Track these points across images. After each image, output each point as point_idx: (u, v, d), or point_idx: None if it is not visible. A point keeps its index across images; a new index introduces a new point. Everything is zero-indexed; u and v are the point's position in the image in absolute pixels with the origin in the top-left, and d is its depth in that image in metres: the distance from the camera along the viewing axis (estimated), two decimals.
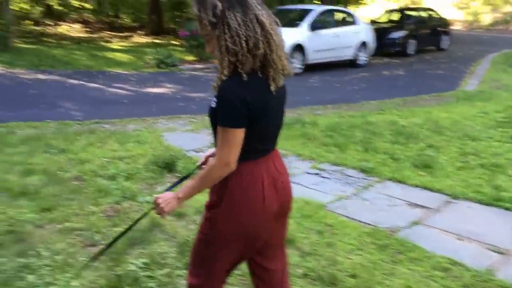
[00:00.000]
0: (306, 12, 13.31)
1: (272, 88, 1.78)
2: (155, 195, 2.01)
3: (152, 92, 9.42)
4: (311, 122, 6.94)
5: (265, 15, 1.74)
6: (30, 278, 2.89)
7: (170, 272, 3.02)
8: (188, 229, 3.61)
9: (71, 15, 23.87)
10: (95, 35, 19.85)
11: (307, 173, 4.98)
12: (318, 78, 11.91)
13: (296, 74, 12.01)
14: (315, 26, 12.63)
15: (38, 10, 23.02)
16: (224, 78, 1.71)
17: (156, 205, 1.90)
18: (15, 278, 2.87)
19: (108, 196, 4.12)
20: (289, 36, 12.03)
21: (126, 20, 25.15)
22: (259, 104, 1.74)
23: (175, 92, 9.58)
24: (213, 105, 1.77)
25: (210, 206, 1.94)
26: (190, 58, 13.84)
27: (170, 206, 1.87)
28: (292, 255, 3.25)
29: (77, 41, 17.25)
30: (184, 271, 3.07)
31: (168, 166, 4.84)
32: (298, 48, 12.10)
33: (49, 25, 21.68)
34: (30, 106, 7.60)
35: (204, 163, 2.25)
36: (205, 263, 1.99)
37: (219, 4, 1.69)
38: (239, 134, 1.73)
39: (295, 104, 8.52)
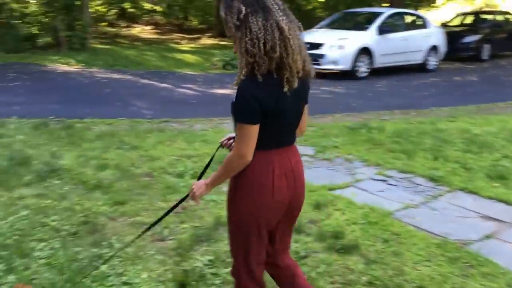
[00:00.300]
0: (374, 15, 13.04)
1: (286, 89, 1.88)
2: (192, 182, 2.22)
3: (218, 93, 9.60)
4: (377, 128, 6.79)
5: (285, 21, 1.86)
6: (103, 268, 3.03)
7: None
8: None
9: (143, 18, 24.84)
10: (165, 37, 20.54)
11: (373, 179, 4.88)
12: (385, 82, 11.63)
13: (362, 78, 11.80)
14: (383, 29, 12.34)
15: (113, 12, 24.16)
16: (242, 77, 1.88)
17: (190, 191, 2.11)
18: (90, 267, 3.02)
19: (176, 193, 4.25)
20: (356, 39, 11.88)
21: (194, 22, 25.81)
22: (272, 103, 1.88)
23: None
24: (234, 100, 1.93)
25: (228, 191, 2.11)
26: None
27: (200, 192, 2.09)
28: (356, 262, 3.21)
29: (149, 42, 17.93)
30: None
31: None
32: (365, 51, 11.88)
33: (123, 26, 22.71)
34: (105, 104, 8.00)
35: (225, 143, 2.41)
36: (237, 244, 2.18)
37: (244, 9, 1.83)
38: (253, 130, 1.89)
39: (361, 109, 8.39)
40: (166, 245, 3.36)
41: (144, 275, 2.98)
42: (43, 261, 3.07)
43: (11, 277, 2.87)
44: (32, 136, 5.75)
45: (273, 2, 1.88)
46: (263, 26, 1.82)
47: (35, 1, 14.69)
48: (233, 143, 2.07)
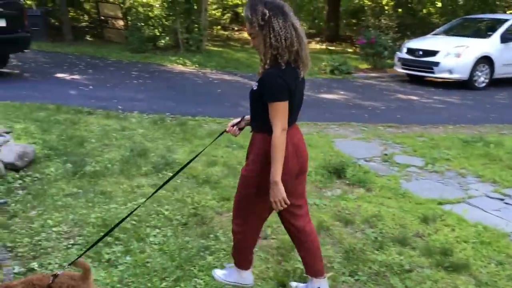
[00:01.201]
0: (497, 21, 12.10)
1: (301, 76, 2.41)
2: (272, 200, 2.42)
3: (325, 98, 9.58)
4: (495, 142, 6.32)
5: (298, 23, 2.38)
6: (209, 258, 3.20)
7: (334, 276, 3.06)
8: (354, 237, 3.61)
9: None
10: None
11: (488, 196, 4.56)
12: (506, 94, 10.77)
13: (480, 89, 11.05)
14: (507, 37, 11.41)
15: (227, 16, 25.16)
16: (267, 67, 2.36)
17: (277, 202, 2.39)
18: (197, 257, 3.21)
19: None
20: (476, 47, 11.14)
21: (303, 26, 25.93)
22: (292, 86, 2.36)
23: (347, 99, 9.60)
24: (255, 88, 2.43)
25: (246, 166, 2.56)
26: (365, 66, 13.71)
27: (281, 193, 2.36)
28: (466, 282, 3.04)
29: None
30: (349, 277, 3.09)
31: (337, 172, 4.89)
32: (485, 60, 11.09)
33: (235, 30, 23.54)
34: (216, 104, 8.38)
35: (230, 130, 2.87)
36: (243, 213, 2.65)
37: (267, 12, 2.30)
38: (286, 105, 2.34)
39: (478, 121, 7.86)
40: (269, 244, 3.45)
41: None
42: (156, 246, 3.32)
43: (128, 258, 3.14)
44: (151, 130, 6.21)
45: (288, 8, 2.36)
46: (283, 26, 2.30)
47: (159, 5, 15.77)
48: (238, 128, 2.82)
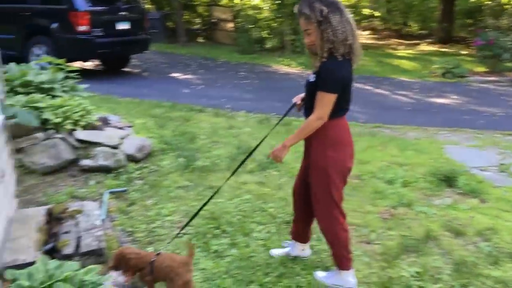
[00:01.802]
0: None
1: (353, 67, 2.59)
2: (270, 151, 2.81)
3: (436, 102, 9.12)
4: None
5: (351, 18, 2.55)
6: (312, 258, 3.22)
7: None
8: (466, 249, 3.41)
9: (362, 23, 25.01)
10: (382, 42, 20.33)
11: None
12: None
13: None
14: None
15: None
16: (324, 60, 2.52)
17: (273, 156, 2.76)
18: (300, 256, 3.24)
19: (385, 199, 4.23)
20: None
21: (414, 27, 24.89)
22: (347, 77, 2.57)
23: (460, 104, 9.05)
24: (311, 79, 2.64)
25: (320, 152, 2.69)
26: (481, 69, 12.80)
27: (282, 153, 2.73)
28: None
29: (365, 47, 17.90)
30: None
31: (448, 180, 4.65)
32: None
33: None
34: None
35: (299, 104, 2.95)
36: (325, 207, 2.80)
37: (325, 9, 2.48)
38: (333, 98, 2.54)
39: None
40: (373, 249, 3.39)
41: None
42: (260, 242, 3.42)
43: (234, 251, 3.27)
44: (256, 129, 6.39)
45: (342, 4, 2.55)
46: (340, 21, 2.48)
47: (268, 8, 16.11)
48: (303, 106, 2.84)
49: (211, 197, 3.08)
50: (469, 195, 4.41)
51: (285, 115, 3.05)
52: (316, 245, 3.40)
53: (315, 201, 2.83)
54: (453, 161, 5.39)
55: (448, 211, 4.05)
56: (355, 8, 24.77)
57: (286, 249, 3.23)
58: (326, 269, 3.10)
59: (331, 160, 2.66)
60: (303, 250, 3.20)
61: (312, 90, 2.61)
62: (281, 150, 2.72)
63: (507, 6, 18.69)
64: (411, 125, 7.19)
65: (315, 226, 3.65)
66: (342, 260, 2.87)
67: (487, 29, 13.65)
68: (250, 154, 3.10)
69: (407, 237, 3.54)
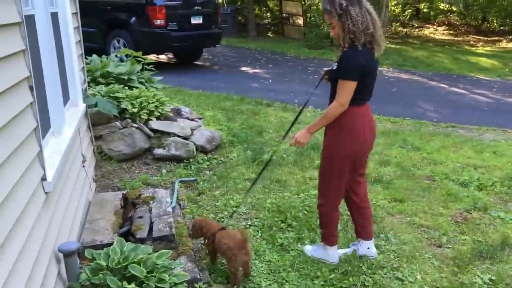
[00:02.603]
0: None
1: (375, 55, 2.67)
2: (293, 135, 2.94)
3: None
4: None
5: (371, 8, 2.64)
6: (379, 257, 3.16)
7: None
8: None
9: (438, 18, 23.97)
10: (459, 38, 19.41)
11: None
12: None
13: None
14: None
15: (407, 13, 24.10)
16: (345, 49, 2.63)
17: (295, 141, 2.87)
18: (366, 255, 3.19)
19: (458, 202, 4.06)
20: None
21: (494, 23, 23.51)
22: (367, 66, 2.63)
23: None
24: (334, 68, 2.72)
25: (329, 136, 2.83)
26: None
27: (306, 138, 2.85)
28: None
29: (441, 43, 17.28)
30: None
31: None
32: None
33: (415, 27, 22.44)
34: (391, 103, 8.14)
35: (325, 74, 2.93)
36: (323, 186, 2.94)
37: (344, 2, 2.60)
38: (353, 85, 2.63)
39: None
40: (444, 253, 3.27)
41: (418, 276, 2.98)
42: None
43: (299, 245, 3.28)
44: None
45: None
46: (359, 12, 2.58)
47: None
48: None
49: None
50: None
51: (317, 86, 3.07)
52: (385, 245, 3.33)
53: (319, 179, 3.00)
54: None
55: None
56: (430, 2, 23.83)
57: (349, 249, 3.22)
58: (393, 269, 3.03)
59: (340, 147, 2.78)
60: (368, 248, 3.15)
61: (334, 78, 2.71)
62: (304, 135, 2.84)
63: None
64: (489, 125, 6.83)
65: (381, 225, 3.60)
66: (328, 236, 3.07)
67: None
68: (291, 127, 3.38)
69: (481, 243, 3.38)
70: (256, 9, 19.60)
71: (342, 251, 3.20)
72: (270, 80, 9.74)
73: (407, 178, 4.57)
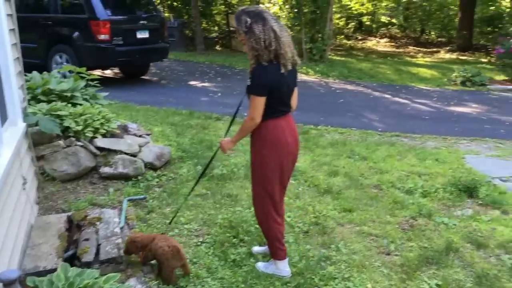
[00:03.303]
0: None
1: (282, 71, 2.75)
2: (220, 139, 3.23)
3: (455, 110, 9.00)
4: None
5: (277, 26, 2.74)
6: (330, 268, 3.20)
7: None
8: (488, 262, 3.35)
9: (380, 30, 24.91)
10: (400, 50, 20.20)
11: None
12: None
13: None
14: None
15: (351, 26, 24.89)
16: (253, 65, 2.76)
17: (221, 146, 3.03)
18: (318, 266, 3.23)
19: (404, 210, 4.18)
20: None
21: (432, 35, 24.69)
22: (275, 81, 2.74)
23: (480, 113, 8.92)
24: (248, 83, 2.79)
25: (254, 151, 2.93)
26: (501, 77, 12.61)
27: (228, 146, 3.03)
28: None
29: (383, 55, 17.91)
30: None
31: (469, 190, 4.58)
32: None
33: (359, 39, 23.20)
34: (338, 113, 8.34)
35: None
36: (259, 199, 3.00)
37: (249, 20, 2.71)
38: (260, 100, 2.74)
39: None
40: (392, 260, 3.35)
41: (369, 285, 3.03)
42: None
43: (252, 260, 3.27)
44: None
45: (268, 14, 2.77)
46: (263, 30, 2.69)
47: (285, 16, 16.13)
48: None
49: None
50: (490, 206, 4.33)
51: (240, 102, 3.09)
52: (335, 255, 3.37)
53: (253, 195, 3.06)
54: (474, 171, 5.30)
55: (469, 222, 3.98)
56: (372, 15, 24.74)
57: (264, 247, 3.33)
58: (344, 279, 3.07)
59: (265, 160, 2.87)
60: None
61: (248, 92, 2.83)
62: (227, 143, 3.02)
63: None
64: (430, 134, 7.11)
65: (332, 236, 3.65)
66: (276, 251, 3.08)
67: (508, 37, 13.46)
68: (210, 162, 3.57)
69: (427, 249, 3.49)
70: (203, 22, 19.61)
71: (260, 249, 3.37)
72: (219, 94, 9.74)
73: (356, 188, 4.67)
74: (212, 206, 4.13)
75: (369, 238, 3.67)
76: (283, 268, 3.10)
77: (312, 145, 6.12)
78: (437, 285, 3.03)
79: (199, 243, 3.49)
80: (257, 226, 3.71)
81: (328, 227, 3.82)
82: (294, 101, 3.00)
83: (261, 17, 2.73)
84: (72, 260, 2.95)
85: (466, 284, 3.06)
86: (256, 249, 3.39)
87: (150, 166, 4.76)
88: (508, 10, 20.32)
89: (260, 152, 2.90)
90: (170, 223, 3.49)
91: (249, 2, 19.57)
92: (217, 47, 18.52)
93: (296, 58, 2.86)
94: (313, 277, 3.08)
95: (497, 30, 19.43)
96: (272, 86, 2.73)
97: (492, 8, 21.73)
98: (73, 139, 4.51)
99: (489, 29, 20.83)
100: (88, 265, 2.85)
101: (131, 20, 9.79)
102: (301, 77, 12.36)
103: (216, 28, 21.10)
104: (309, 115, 7.97)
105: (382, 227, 3.85)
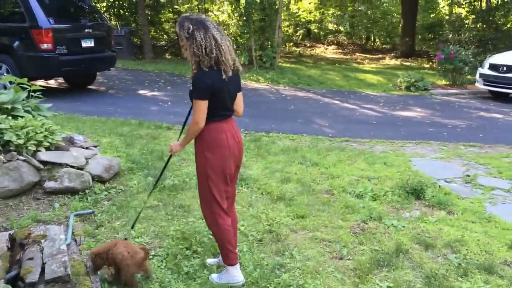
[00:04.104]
0: None
1: (223, 76, 2.82)
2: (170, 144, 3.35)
3: (401, 115, 9.32)
4: None
5: (218, 34, 2.81)
6: (284, 276, 3.19)
7: None
8: (436, 262, 3.45)
9: (328, 37, 25.47)
10: (347, 57, 20.74)
11: None
12: None
13: None
14: None
15: (299, 33, 25.31)
16: (194, 71, 2.84)
17: (170, 149, 3.11)
18: (273, 274, 3.21)
19: (355, 214, 4.25)
20: None
21: (377, 42, 25.52)
22: (216, 86, 2.79)
23: (424, 116, 9.27)
24: (191, 88, 2.84)
25: (198, 155, 2.98)
26: (443, 82, 13.20)
27: (177, 149, 3.09)
28: None
29: (331, 62, 18.32)
30: None
31: (416, 192, 4.72)
32: None
33: (307, 46, 23.62)
34: (289, 120, 8.42)
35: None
36: (206, 203, 3.04)
37: (191, 27, 2.78)
38: (203, 104, 2.79)
39: None
40: (345, 264, 3.39)
41: None
42: None
43: (206, 272, 3.21)
44: None
45: (210, 23, 2.84)
46: (204, 37, 2.76)
47: (234, 24, 16.19)
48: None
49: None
50: (436, 207, 4.48)
51: (185, 123, 3.19)
52: (289, 262, 3.37)
53: (200, 199, 3.10)
54: (420, 173, 5.48)
55: (417, 223, 4.10)
56: (320, 23, 25.28)
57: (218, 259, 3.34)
58: (298, 286, 3.07)
59: (208, 161, 2.93)
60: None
61: (191, 96, 2.88)
62: (176, 146, 3.09)
63: (466, 21, 19.40)
64: (378, 138, 7.30)
65: (286, 243, 3.65)
66: (228, 255, 3.07)
67: (448, 43, 14.11)
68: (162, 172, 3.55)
69: (378, 252, 3.56)
70: (152, 30, 19.34)
71: (214, 260, 3.36)
72: (169, 103, 9.61)
73: (308, 194, 4.71)
74: (164, 217, 4.04)
75: (322, 243, 3.71)
76: (236, 274, 3.08)
77: (264, 152, 6.13)
78: (388, 287, 3.09)
79: (150, 257, 3.39)
80: (211, 236, 3.67)
81: (281, 234, 3.82)
82: (239, 106, 3.06)
83: (203, 25, 2.80)
84: (15, 281, 2.79)
85: (416, 285, 3.14)
86: (210, 261, 3.35)
87: (98, 179, 4.61)
88: (447, 17, 21.31)
89: (202, 153, 2.95)
90: (132, 227, 3.46)
91: (197, 10, 19.51)
92: (167, 55, 18.31)
93: (238, 65, 2.94)
94: (268, 285, 3.07)
95: (437, 36, 20.35)
96: (213, 89, 2.78)
97: (432, 15, 22.75)
98: (15, 153, 4.29)
99: (430, 35, 21.78)
100: (32, 285, 2.70)
101: (76, 28, 9.50)
102: (252, 84, 12.46)
103: (165, 36, 20.87)
104: (260, 122, 8.00)
105: (334, 232, 3.89)
